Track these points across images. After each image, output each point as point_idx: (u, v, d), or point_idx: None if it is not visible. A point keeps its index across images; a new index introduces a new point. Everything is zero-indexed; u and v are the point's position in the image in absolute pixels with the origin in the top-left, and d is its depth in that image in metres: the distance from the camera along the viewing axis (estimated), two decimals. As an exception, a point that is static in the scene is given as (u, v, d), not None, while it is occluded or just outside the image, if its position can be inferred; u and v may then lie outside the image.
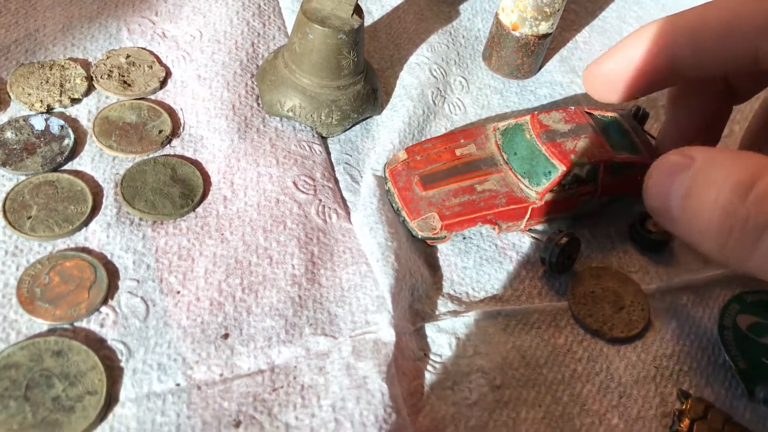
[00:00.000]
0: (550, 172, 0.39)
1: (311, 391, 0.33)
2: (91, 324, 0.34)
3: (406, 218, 0.40)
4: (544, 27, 0.47)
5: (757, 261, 0.28)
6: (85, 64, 0.44)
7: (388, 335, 0.35)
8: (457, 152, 0.41)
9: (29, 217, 0.37)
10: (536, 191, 0.40)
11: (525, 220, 0.41)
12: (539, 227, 0.42)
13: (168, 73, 0.45)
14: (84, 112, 0.42)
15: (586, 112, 0.42)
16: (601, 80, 0.40)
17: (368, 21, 0.52)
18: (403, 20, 0.53)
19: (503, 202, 0.39)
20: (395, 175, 0.41)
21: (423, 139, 0.45)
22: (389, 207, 0.40)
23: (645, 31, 0.39)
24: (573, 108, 0.42)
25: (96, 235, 0.37)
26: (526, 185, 0.40)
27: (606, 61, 0.40)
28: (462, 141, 0.42)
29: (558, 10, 0.46)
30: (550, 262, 0.39)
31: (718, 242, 0.29)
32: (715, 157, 0.30)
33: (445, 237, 0.40)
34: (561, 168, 0.39)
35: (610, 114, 0.43)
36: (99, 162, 0.40)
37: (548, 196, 0.40)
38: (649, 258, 0.42)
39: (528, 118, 0.41)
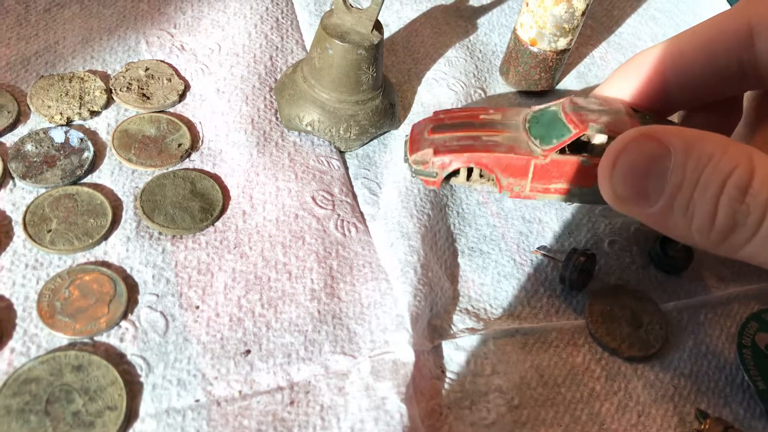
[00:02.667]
0: (562, 135, 0.37)
1: (331, 412, 0.33)
2: (111, 338, 0.34)
3: (407, 155, 0.40)
4: (562, 43, 0.47)
5: (751, 249, 0.30)
6: (105, 77, 0.45)
7: (407, 355, 0.35)
8: (481, 116, 0.41)
9: (49, 231, 0.37)
10: (542, 148, 0.38)
11: (528, 180, 0.39)
12: (551, 247, 0.42)
13: (187, 86, 0.45)
14: (103, 125, 0.42)
15: (632, 109, 0.39)
16: None
17: (386, 34, 0.52)
18: (420, 34, 0.53)
19: (503, 150, 0.38)
20: (414, 127, 0.42)
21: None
22: (410, 219, 0.40)
23: (633, 65, 0.40)
24: (619, 99, 0.39)
25: (115, 249, 0.37)
26: (535, 144, 0.38)
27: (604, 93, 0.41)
28: (491, 111, 0.41)
29: (577, 27, 0.46)
30: (570, 280, 0.39)
31: (719, 237, 0.30)
32: (695, 145, 0.30)
33: (436, 175, 0.39)
34: (574, 130, 0.37)
35: (660, 119, 0.40)
36: (118, 175, 0.40)
37: (555, 156, 0.38)
38: (666, 276, 0.42)
39: (565, 98, 0.40)
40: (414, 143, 0.41)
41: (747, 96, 0.42)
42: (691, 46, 0.37)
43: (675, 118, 0.43)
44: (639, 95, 0.39)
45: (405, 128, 0.46)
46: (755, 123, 0.41)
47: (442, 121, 0.41)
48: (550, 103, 0.40)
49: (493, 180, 0.39)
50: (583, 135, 0.37)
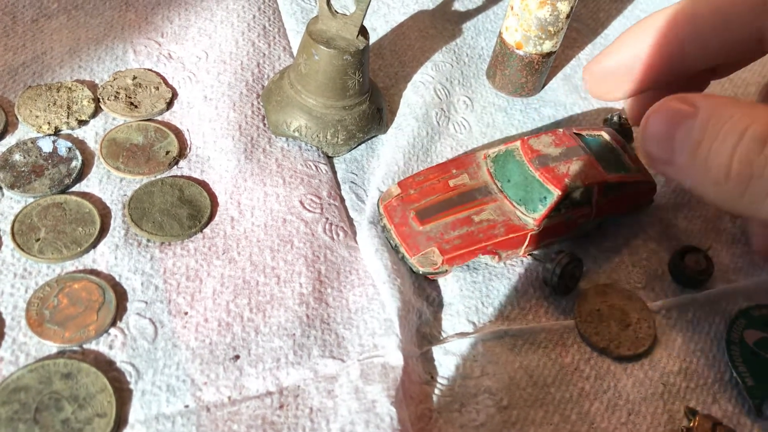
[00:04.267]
0: (545, 198, 0.39)
1: (320, 415, 0.33)
2: (100, 346, 0.34)
3: (405, 254, 0.39)
4: (547, 45, 0.47)
5: None
6: (92, 86, 0.45)
7: (396, 359, 0.35)
8: (451, 183, 0.41)
9: (37, 240, 0.37)
10: (533, 218, 0.39)
11: (524, 246, 0.40)
12: (537, 251, 0.42)
13: (174, 94, 0.45)
14: (91, 134, 0.42)
15: (575, 134, 0.42)
16: (603, 78, 0.40)
17: (373, 38, 0.52)
18: (407, 37, 0.53)
19: (502, 232, 0.39)
20: (390, 211, 0.40)
21: (427, 158, 0.45)
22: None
23: (647, 25, 0.39)
24: (561, 131, 0.42)
25: (104, 257, 0.37)
26: (522, 212, 0.40)
27: (607, 58, 0.40)
28: (454, 171, 0.42)
29: (561, 29, 0.47)
30: (553, 283, 0.39)
31: (735, 191, 0.30)
32: (720, 107, 0.31)
33: (447, 271, 0.39)
34: (556, 193, 0.39)
35: (597, 133, 0.43)
36: (107, 184, 0.40)
37: (545, 222, 0.39)
38: (654, 274, 0.42)
39: (518, 143, 0.41)
40: (406, 238, 0.39)
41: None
42: (706, 9, 0.37)
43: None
44: (650, 56, 0.39)
45: (392, 132, 0.46)
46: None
47: (418, 200, 0.40)
48: (504, 147, 0.42)
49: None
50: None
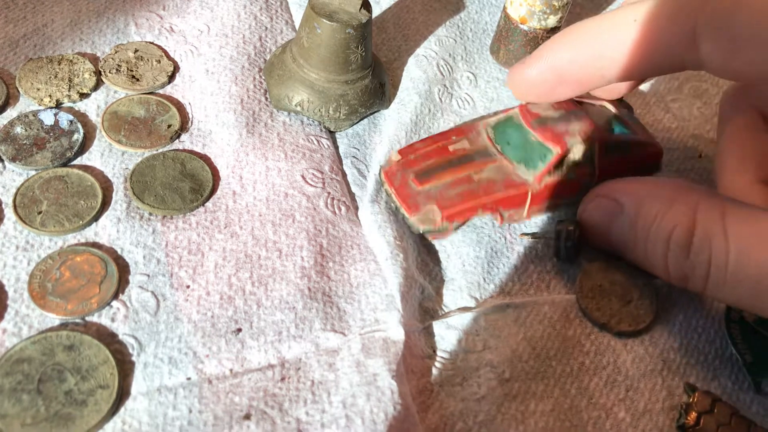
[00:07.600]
0: (545, 155, 0.39)
1: (321, 387, 0.33)
2: (103, 318, 0.34)
3: (405, 214, 0.39)
4: (552, 20, 0.47)
5: (710, 292, 0.34)
6: (94, 59, 0.45)
7: (398, 334, 0.35)
8: (450, 148, 0.41)
9: (39, 213, 0.37)
10: (533, 174, 0.39)
11: (526, 207, 0.40)
12: (536, 230, 0.42)
13: (176, 68, 0.45)
14: (93, 107, 0.42)
15: (576, 102, 0.41)
16: (525, 84, 0.41)
17: (376, 11, 0.52)
18: (411, 11, 0.53)
19: (501, 188, 0.39)
20: (390, 177, 0.41)
21: (430, 134, 0.45)
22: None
23: (571, 36, 0.39)
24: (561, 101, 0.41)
25: (106, 230, 0.37)
26: (523, 171, 0.40)
27: (531, 66, 0.40)
28: (454, 138, 0.42)
29: (567, 4, 0.46)
30: (566, 248, 0.39)
31: (679, 284, 0.35)
32: (642, 204, 0.35)
33: (447, 229, 0.39)
34: (556, 150, 0.39)
35: (598, 103, 0.43)
36: (108, 157, 0.40)
37: (546, 180, 0.39)
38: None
39: (517, 109, 0.41)
40: (406, 198, 0.39)
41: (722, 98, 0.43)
42: (633, 48, 0.37)
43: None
44: (572, 68, 0.39)
45: (395, 107, 0.46)
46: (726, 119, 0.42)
47: (418, 164, 0.40)
48: (503, 114, 0.41)
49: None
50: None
